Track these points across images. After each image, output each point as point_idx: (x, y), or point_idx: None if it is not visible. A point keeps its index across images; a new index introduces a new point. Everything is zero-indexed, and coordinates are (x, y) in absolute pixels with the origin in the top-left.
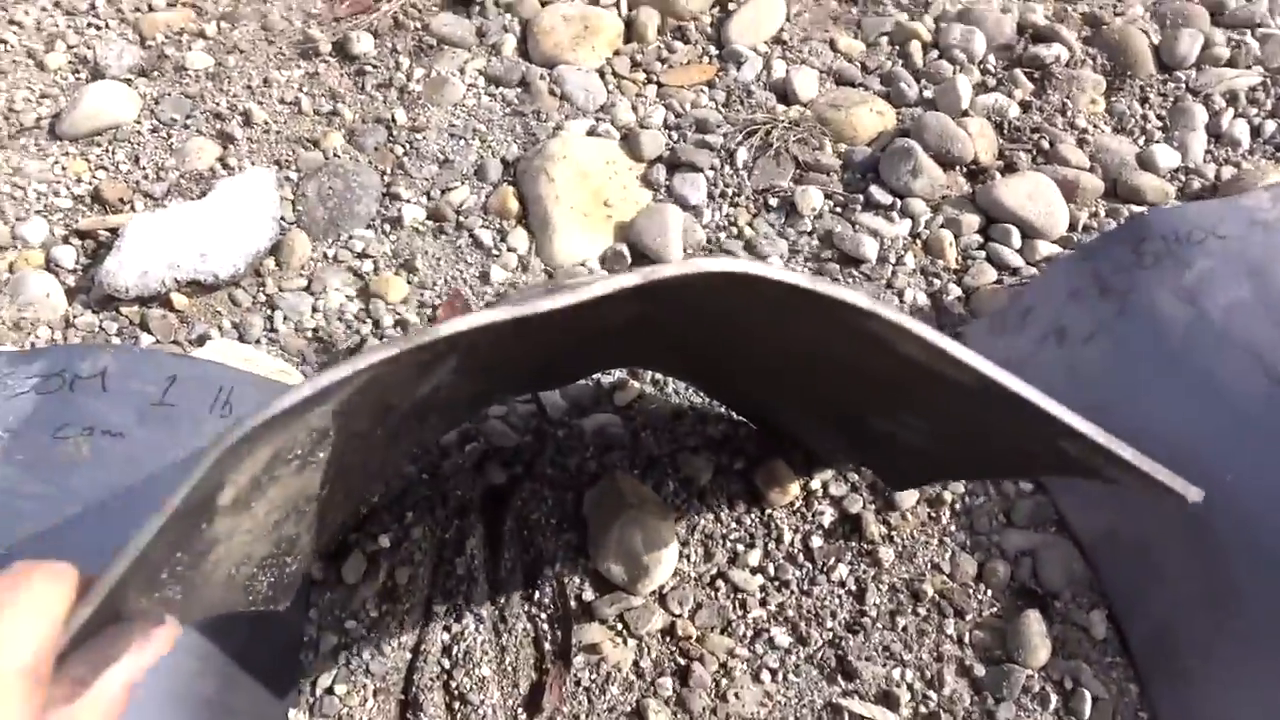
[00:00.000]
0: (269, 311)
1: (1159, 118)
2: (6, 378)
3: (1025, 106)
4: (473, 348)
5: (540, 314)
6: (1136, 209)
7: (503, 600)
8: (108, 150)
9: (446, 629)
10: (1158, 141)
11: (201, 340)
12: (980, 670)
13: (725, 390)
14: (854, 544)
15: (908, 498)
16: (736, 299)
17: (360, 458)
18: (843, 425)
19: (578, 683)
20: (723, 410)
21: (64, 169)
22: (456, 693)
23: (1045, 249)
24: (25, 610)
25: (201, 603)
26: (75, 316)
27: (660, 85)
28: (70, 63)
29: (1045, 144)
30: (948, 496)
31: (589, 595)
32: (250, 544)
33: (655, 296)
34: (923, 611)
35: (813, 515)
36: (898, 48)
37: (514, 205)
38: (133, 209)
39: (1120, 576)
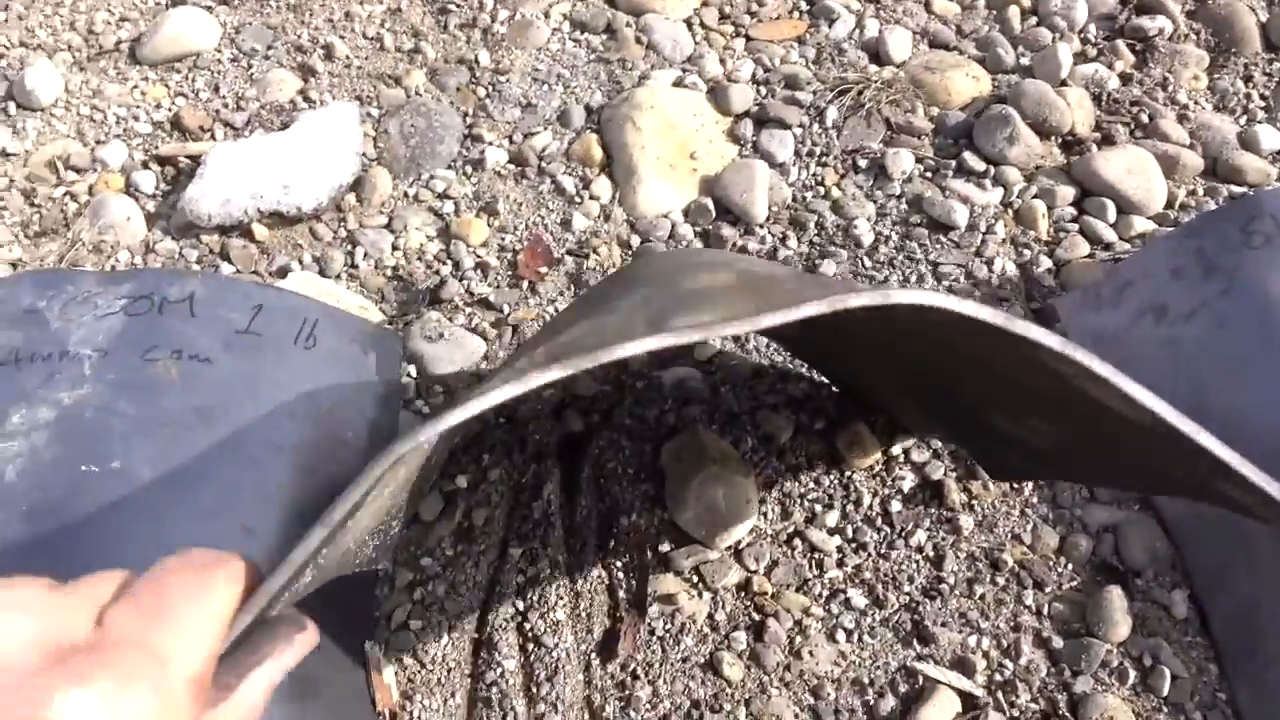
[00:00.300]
0: (350, 247)
1: (1262, 97)
2: (96, 297)
3: (1125, 79)
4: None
5: (669, 346)
6: (1236, 189)
7: (578, 546)
8: (188, 77)
9: (521, 571)
10: (1260, 121)
11: (283, 272)
12: (1058, 642)
13: (819, 360)
14: (933, 510)
15: None
16: (912, 324)
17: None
18: (952, 417)
19: (652, 632)
20: (804, 369)
21: (143, 94)
22: (530, 635)
23: (1141, 225)
24: (205, 614)
25: (323, 575)
26: (155, 242)
27: (749, 39)
28: None
29: (1144, 118)
30: None
31: (665, 546)
32: (369, 524)
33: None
34: (1001, 581)
35: (892, 480)
36: (995, 12)
37: (597, 153)
38: (213, 137)
39: (1205, 556)
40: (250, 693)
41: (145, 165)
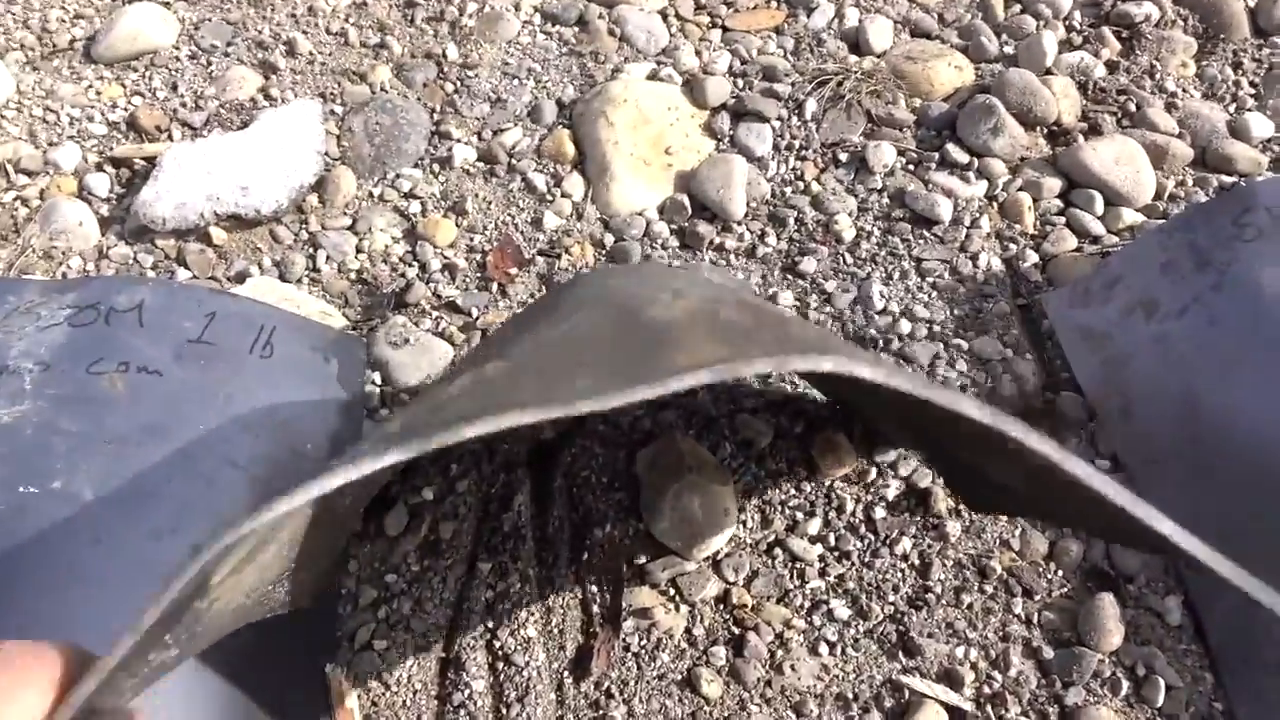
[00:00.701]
0: (311, 250)
1: (1252, 84)
2: (39, 307)
3: (1112, 67)
4: None
5: (581, 414)
6: (1227, 179)
7: (550, 559)
8: (144, 76)
9: (490, 587)
10: (1250, 109)
11: (241, 277)
12: (1048, 652)
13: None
14: (919, 517)
15: None
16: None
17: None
18: (923, 442)
19: (627, 648)
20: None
21: (98, 93)
22: (500, 653)
23: (1129, 217)
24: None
25: (210, 634)
26: (109, 248)
27: (726, 30)
28: None
29: (1132, 107)
30: None
31: (640, 558)
32: (255, 581)
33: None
34: (989, 589)
35: (876, 486)
36: (978, 0)
37: (569, 149)
38: (170, 138)
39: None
40: None
41: (99, 168)
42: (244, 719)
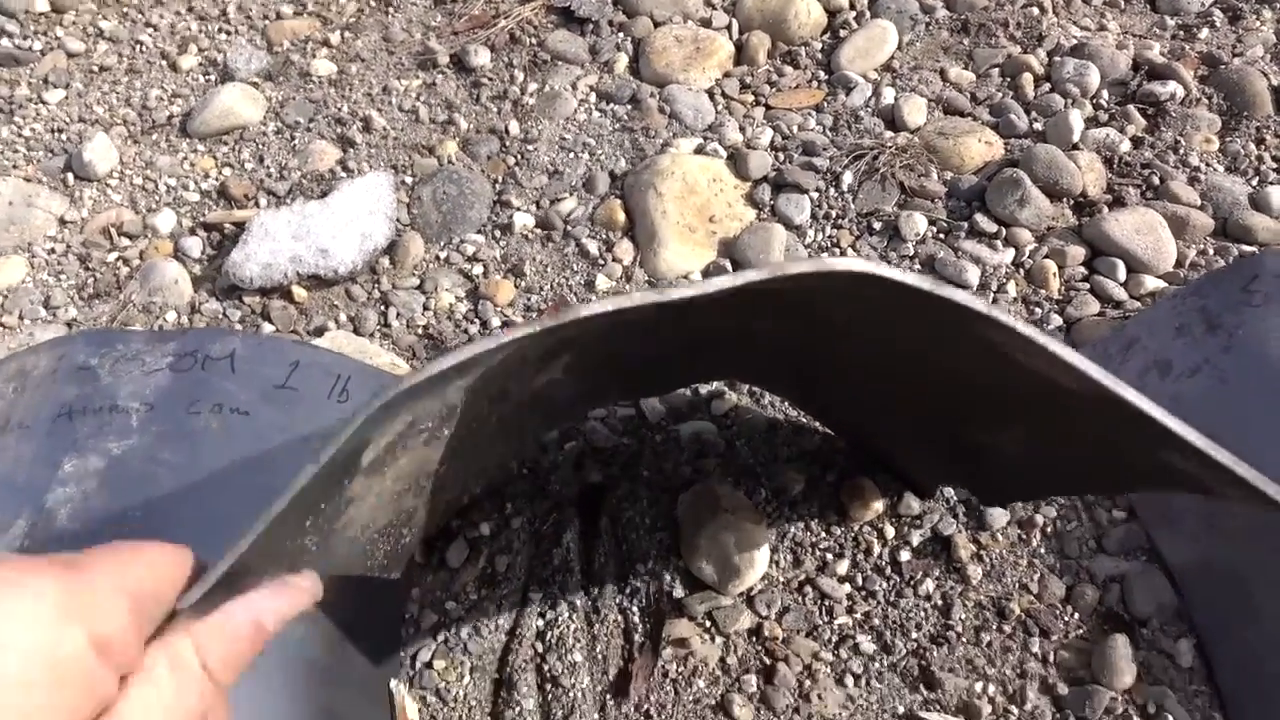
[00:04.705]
0: (383, 307)
1: (1274, 159)
2: (144, 355)
3: (1137, 142)
4: (586, 348)
5: (671, 301)
6: (1246, 249)
7: (595, 591)
8: (234, 149)
9: (541, 615)
10: (1272, 182)
11: (319, 331)
12: (1063, 689)
13: (821, 403)
14: (942, 561)
15: (999, 518)
16: (853, 304)
17: (474, 442)
18: (939, 438)
19: (665, 674)
20: (817, 424)
21: (193, 165)
22: (549, 675)
23: (1151, 284)
24: (117, 584)
25: (330, 558)
26: (201, 303)
27: (768, 107)
28: (201, 65)
29: (1156, 180)
30: (1039, 520)
31: (679, 592)
32: (377, 509)
33: (773, 302)
34: (1008, 629)
35: (902, 532)
36: (1009, 79)
37: (620, 217)
38: (257, 205)
39: (1211, 608)
40: (231, 617)
41: (193, 231)
42: None
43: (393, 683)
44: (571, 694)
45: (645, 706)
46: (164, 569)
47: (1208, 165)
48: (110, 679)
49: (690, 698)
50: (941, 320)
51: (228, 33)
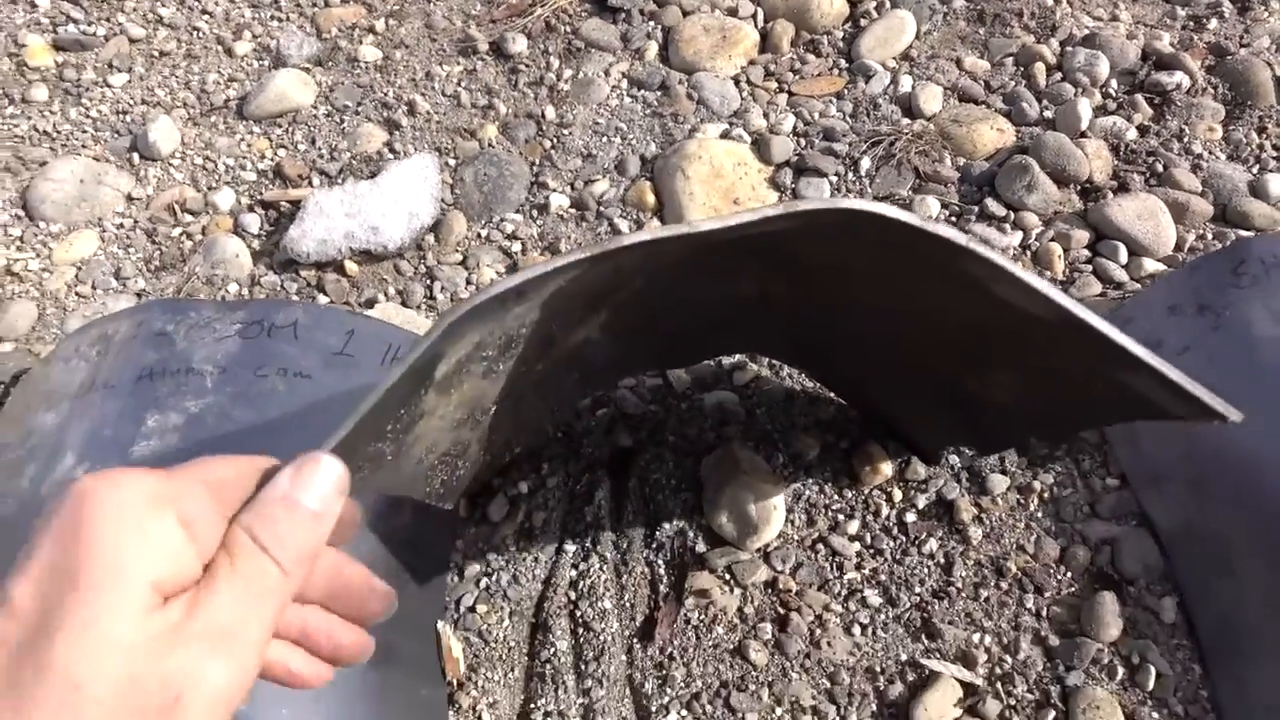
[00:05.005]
0: (429, 281)
1: (1275, 147)
2: (215, 323)
3: (1143, 130)
4: (623, 305)
5: (699, 233)
6: (1244, 234)
7: (624, 545)
8: (288, 131)
9: (574, 566)
10: (1272, 170)
11: (370, 303)
12: (1054, 641)
13: (831, 369)
14: (945, 522)
15: (999, 483)
16: (857, 247)
17: (520, 390)
18: (940, 393)
19: (687, 621)
20: (832, 395)
21: (249, 146)
22: (580, 620)
23: (1151, 266)
24: (191, 478)
25: (398, 474)
26: (260, 276)
27: (791, 94)
28: (255, 50)
29: (1159, 167)
30: (1037, 486)
31: (701, 547)
32: (440, 432)
33: (790, 249)
34: (1005, 586)
35: (909, 495)
36: (1022, 68)
37: (650, 199)
38: (310, 184)
39: (1193, 568)
40: (264, 505)
41: (251, 209)
42: (371, 661)
43: (439, 624)
44: (601, 637)
45: (669, 650)
46: (244, 465)
47: (1210, 153)
48: (192, 553)
49: (710, 643)
50: (931, 257)
51: (279, 19)
